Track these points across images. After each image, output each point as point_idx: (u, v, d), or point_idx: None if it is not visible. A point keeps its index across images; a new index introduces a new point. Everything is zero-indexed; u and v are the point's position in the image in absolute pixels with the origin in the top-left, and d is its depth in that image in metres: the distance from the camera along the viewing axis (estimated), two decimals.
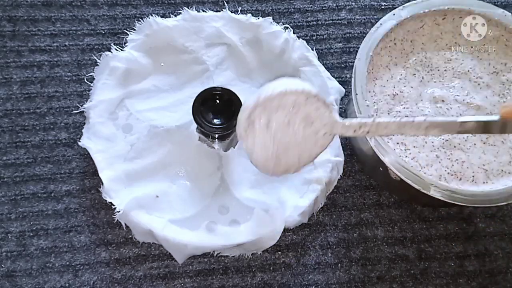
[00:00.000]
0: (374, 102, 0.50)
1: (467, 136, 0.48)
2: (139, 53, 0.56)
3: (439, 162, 0.47)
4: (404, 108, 0.49)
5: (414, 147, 0.48)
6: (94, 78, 0.55)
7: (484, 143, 0.48)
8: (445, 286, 0.51)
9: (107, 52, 0.55)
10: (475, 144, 0.48)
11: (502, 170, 0.47)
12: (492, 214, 0.53)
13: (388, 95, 0.50)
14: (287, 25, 0.57)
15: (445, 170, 0.47)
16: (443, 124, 0.38)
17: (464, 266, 0.51)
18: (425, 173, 0.46)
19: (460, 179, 0.47)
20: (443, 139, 0.48)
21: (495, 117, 0.37)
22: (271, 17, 0.58)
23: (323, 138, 0.41)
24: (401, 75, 0.51)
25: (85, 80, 0.56)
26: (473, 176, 0.47)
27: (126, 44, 0.56)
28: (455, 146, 0.48)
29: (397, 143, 0.48)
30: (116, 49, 0.55)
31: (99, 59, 0.55)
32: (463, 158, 0.47)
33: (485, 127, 0.38)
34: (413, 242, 0.52)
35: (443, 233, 0.52)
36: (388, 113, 0.49)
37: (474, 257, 0.52)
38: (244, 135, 0.40)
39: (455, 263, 0.51)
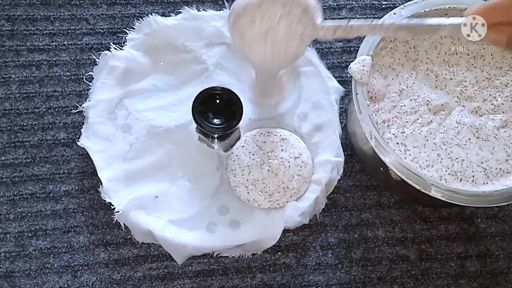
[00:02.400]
0: (371, 99, 0.49)
1: (458, 131, 0.49)
2: (138, 52, 0.55)
3: (440, 161, 0.47)
4: (411, 100, 0.49)
5: (414, 147, 0.48)
6: (93, 78, 0.54)
7: (477, 137, 0.48)
8: (446, 286, 0.50)
9: (106, 52, 0.55)
10: (469, 139, 0.48)
11: (500, 169, 0.47)
12: (493, 214, 0.53)
13: (395, 92, 0.50)
14: None
15: (446, 171, 0.47)
16: (412, 26, 0.42)
17: (465, 267, 0.51)
18: (425, 174, 0.46)
19: (461, 180, 0.47)
20: (442, 135, 0.48)
21: (462, 19, 0.40)
22: None
23: (303, 40, 0.44)
24: (407, 77, 0.51)
25: (84, 80, 0.55)
26: (473, 176, 0.47)
27: (125, 43, 0.56)
28: (451, 139, 0.48)
29: (397, 144, 0.48)
30: (115, 48, 0.55)
31: (98, 58, 0.55)
32: (462, 155, 0.47)
33: (454, 30, 0.42)
34: (414, 243, 0.52)
35: (444, 233, 0.52)
36: (391, 110, 0.49)
37: (475, 257, 0.51)
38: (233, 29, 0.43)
39: (456, 263, 0.51)
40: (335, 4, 0.62)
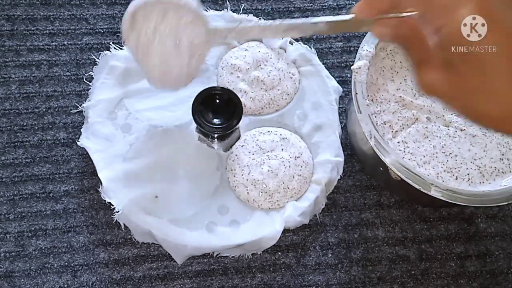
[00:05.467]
0: (372, 100, 0.49)
1: (449, 124, 0.49)
2: None
3: (436, 157, 0.47)
4: (411, 102, 0.50)
5: (414, 142, 0.48)
6: (93, 78, 0.54)
7: (462, 130, 0.49)
8: (446, 286, 0.50)
9: (106, 51, 0.55)
10: (460, 131, 0.49)
11: (495, 167, 0.47)
12: (493, 214, 0.53)
13: (394, 95, 0.50)
14: None
15: (441, 167, 0.47)
16: (299, 26, 0.39)
17: (465, 267, 0.51)
18: (422, 173, 0.46)
19: (456, 178, 0.47)
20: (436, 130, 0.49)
21: (348, 16, 0.37)
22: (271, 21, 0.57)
23: (198, 47, 0.40)
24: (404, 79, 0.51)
25: (84, 80, 0.55)
26: (468, 175, 0.47)
27: (125, 43, 0.56)
28: (446, 133, 0.48)
29: (398, 142, 0.48)
30: (115, 48, 0.55)
31: (98, 58, 0.55)
32: (454, 150, 0.48)
33: (339, 26, 0.38)
34: (414, 243, 0.52)
35: (444, 233, 0.52)
36: (394, 112, 0.49)
37: (475, 257, 0.51)
38: (127, 35, 0.40)
39: (456, 263, 0.51)
40: (335, 4, 0.62)
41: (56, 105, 0.55)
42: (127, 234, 0.50)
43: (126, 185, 0.50)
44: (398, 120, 0.49)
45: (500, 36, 0.29)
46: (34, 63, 0.57)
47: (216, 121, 0.48)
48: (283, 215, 0.49)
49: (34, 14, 0.59)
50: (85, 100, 0.53)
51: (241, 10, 0.59)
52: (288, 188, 0.50)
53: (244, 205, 0.50)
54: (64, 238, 0.50)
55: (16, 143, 0.53)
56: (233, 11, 0.58)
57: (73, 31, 0.58)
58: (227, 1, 0.60)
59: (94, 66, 0.55)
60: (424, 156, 0.48)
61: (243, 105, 0.49)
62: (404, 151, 0.48)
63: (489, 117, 0.30)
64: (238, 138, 0.52)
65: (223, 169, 0.52)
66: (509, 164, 0.48)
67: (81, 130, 0.52)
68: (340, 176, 0.52)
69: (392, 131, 0.49)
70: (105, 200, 0.49)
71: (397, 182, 0.46)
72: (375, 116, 0.49)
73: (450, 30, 0.29)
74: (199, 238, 0.48)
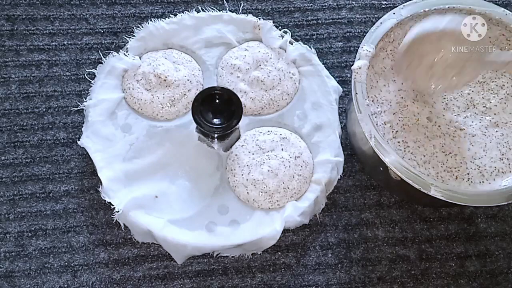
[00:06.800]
0: (373, 101, 0.50)
1: (449, 124, 0.50)
2: (138, 56, 0.55)
3: (436, 157, 0.47)
4: (413, 102, 0.50)
5: (414, 142, 0.48)
6: (95, 75, 0.54)
7: (461, 129, 0.49)
8: (446, 286, 0.50)
9: (114, 53, 0.54)
10: (458, 130, 0.49)
11: (495, 167, 0.47)
12: (493, 214, 0.53)
13: (395, 96, 0.50)
14: (286, 30, 0.57)
15: (441, 167, 0.47)
16: None
17: (465, 267, 0.51)
18: (422, 172, 0.46)
19: (456, 178, 0.47)
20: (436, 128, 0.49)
21: None
22: (271, 21, 0.57)
23: None
24: (402, 83, 0.51)
25: (85, 76, 0.55)
26: (467, 174, 0.47)
27: (128, 53, 0.55)
28: (445, 132, 0.49)
29: (398, 142, 0.48)
30: (125, 54, 0.54)
31: (100, 57, 0.55)
32: (454, 150, 0.48)
33: None
34: (414, 243, 0.52)
35: (444, 233, 0.52)
36: (395, 112, 0.49)
37: (475, 257, 0.51)
38: None
39: (456, 263, 0.51)
40: (335, 4, 0.62)
41: (56, 105, 0.55)
42: (127, 234, 0.50)
43: (126, 185, 0.50)
44: (399, 120, 0.49)
45: None
46: (34, 63, 0.57)
47: (216, 121, 0.48)
48: (283, 215, 0.49)
49: (34, 14, 0.59)
50: (85, 100, 0.53)
51: (241, 10, 0.59)
52: (288, 188, 0.50)
53: (244, 205, 0.50)
54: (64, 238, 0.50)
55: (16, 143, 0.53)
56: (232, 11, 0.58)
57: (73, 31, 0.59)
58: (226, 1, 0.60)
59: (99, 65, 0.55)
60: (424, 156, 0.48)
61: (243, 105, 0.49)
62: (404, 151, 0.48)
63: None
64: (238, 138, 0.52)
65: (223, 169, 0.52)
66: (509, 164, 0.48)
67: (82, 129, 0.52)
68: (340, 176, 0.52)
69: (393, 131, 0.49)
70: (105, 200, 0.49)
71: (397, 182, 0.46)
72: (376, 117, 0.49)
73: None
74: (199, 238, 0.48)
